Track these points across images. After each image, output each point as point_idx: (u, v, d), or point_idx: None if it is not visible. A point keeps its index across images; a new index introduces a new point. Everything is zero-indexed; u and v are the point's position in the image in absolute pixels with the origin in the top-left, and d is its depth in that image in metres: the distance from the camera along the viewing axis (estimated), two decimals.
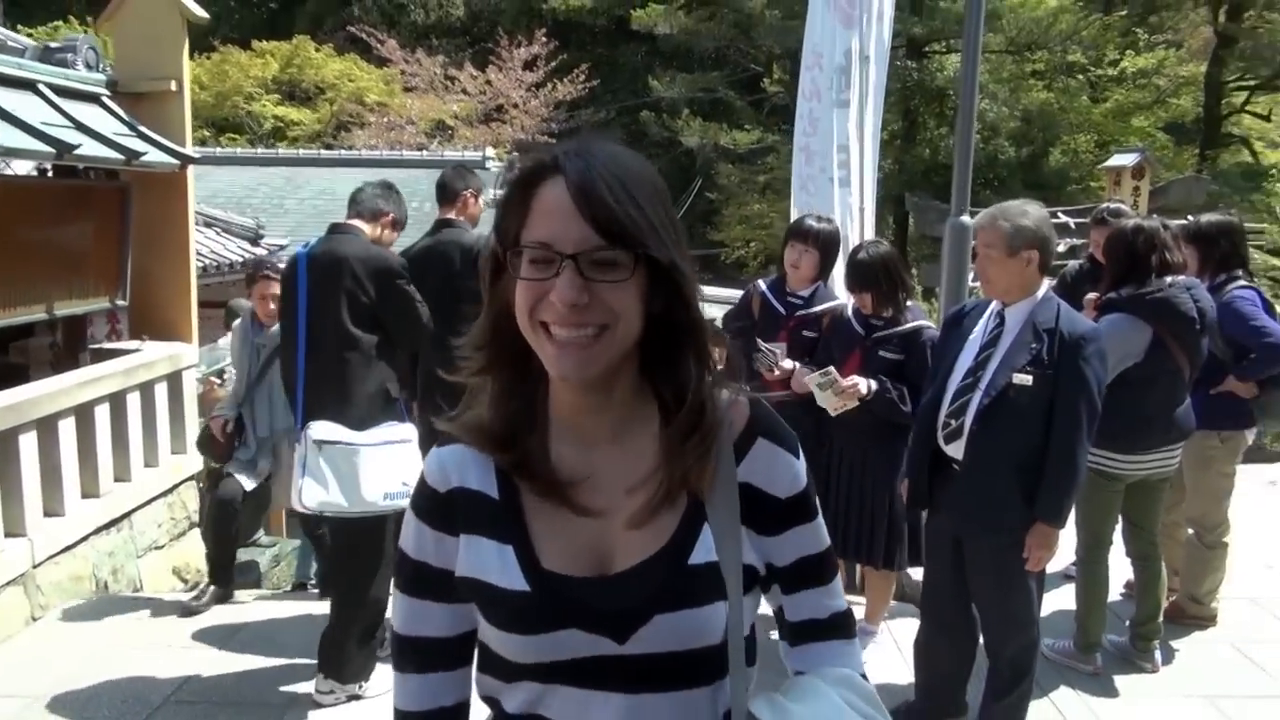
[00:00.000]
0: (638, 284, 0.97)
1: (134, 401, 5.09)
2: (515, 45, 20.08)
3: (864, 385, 3.52)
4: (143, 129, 5.46)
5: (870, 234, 5.29)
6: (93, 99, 5.44)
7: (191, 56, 16.79)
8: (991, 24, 17.61)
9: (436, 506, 1.08)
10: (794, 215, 5.30)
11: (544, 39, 20.22)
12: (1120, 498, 3.66)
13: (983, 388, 2.93)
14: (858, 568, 4.20)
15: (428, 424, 3.48)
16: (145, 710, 3.52)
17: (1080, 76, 21.61)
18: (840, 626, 1.16)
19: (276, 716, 3.47)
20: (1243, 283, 3.80)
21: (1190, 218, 4.30)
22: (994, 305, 3.04)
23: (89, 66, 5.75)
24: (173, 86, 5.68)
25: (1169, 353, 3.46)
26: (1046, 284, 2.97)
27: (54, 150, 4.44)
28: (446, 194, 4.21)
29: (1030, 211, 2.91)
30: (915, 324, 3.65)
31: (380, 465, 3.36)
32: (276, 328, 4.17)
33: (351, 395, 3.34)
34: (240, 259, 8.11)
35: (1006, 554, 2.97)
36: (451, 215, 4.18)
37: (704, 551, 1.03)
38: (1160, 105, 21.72)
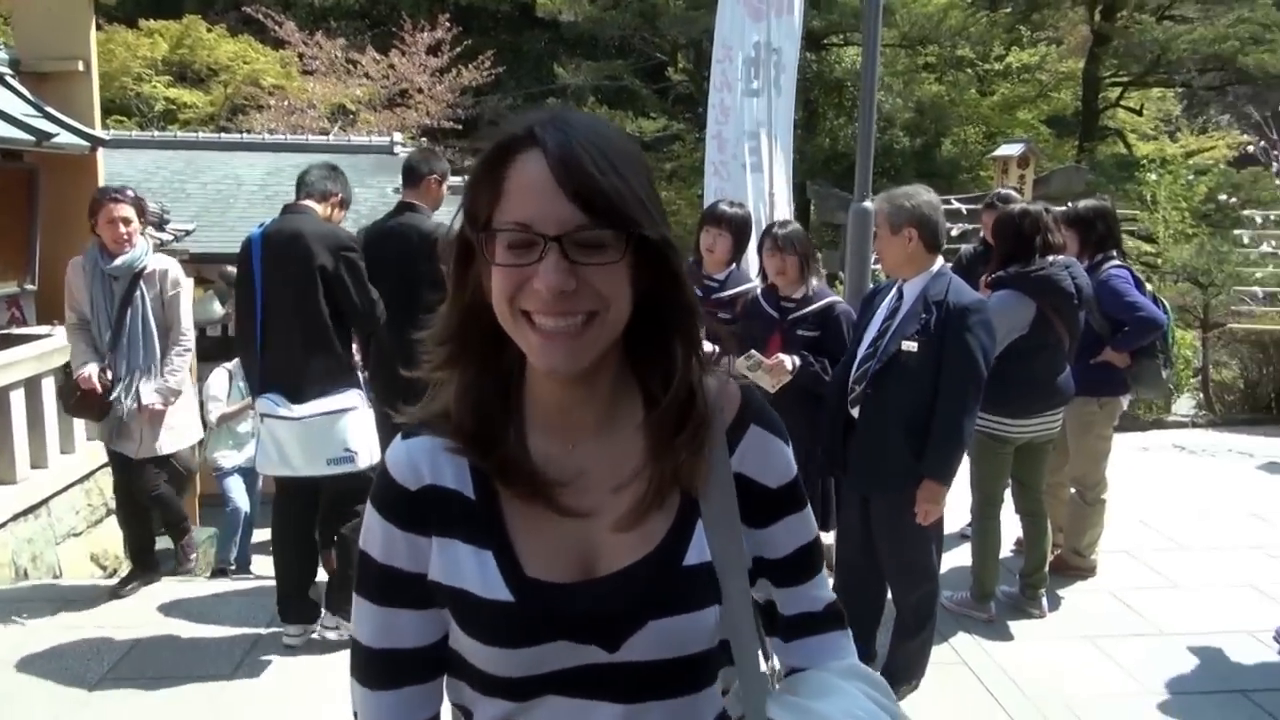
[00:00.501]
0: (628, 265, 0.89)
1: (49, 386, 5.01)
2: (418, 30, 19.86)
3: (788, 361, 3.76)
4: (50, 110, 5.35)
5: (784, 215, 5.57)
6: None
7: None
8: (886, 19, 18.10)
9: (407, 505, 0.98)
10: (707, 200, 5.55)
11: (447, 24, 20.05)
12: (1010, 459, 4.01)
13: (878, 355, 3.22)
14: None
15: (385, 415, 3.66)
16: (84, 689, 3.54)
17: (969, 71, 22.53)
18: (835, 616, 1.12)
19: (226, 679, 3.56)
20: (1117, 262, 4.18)
21: (1070, 204, 4.68)
22: (897, 282, 3.32)
23: None
24: (80, 67, 5.58)
25: (1051, 325, 3.81)
26: (940, 261, 3.25)
27: None
28: (411, 177, 4.18)
29: (914, 194, 3.19)
30: (827, 300, 3.91)
31: (317, 435, 3.53)
32: (130, 254, 4.13)
33: (306, 368, 3.51)
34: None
35: (903, 510, 3.25)
36: (414, 200, 4.16)
37: (698, 552, 0.98)
38: (1043, 99, 22.82)
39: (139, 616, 4.16)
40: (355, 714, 1.04)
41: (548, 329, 0.88)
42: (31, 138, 4.88)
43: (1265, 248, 8.47)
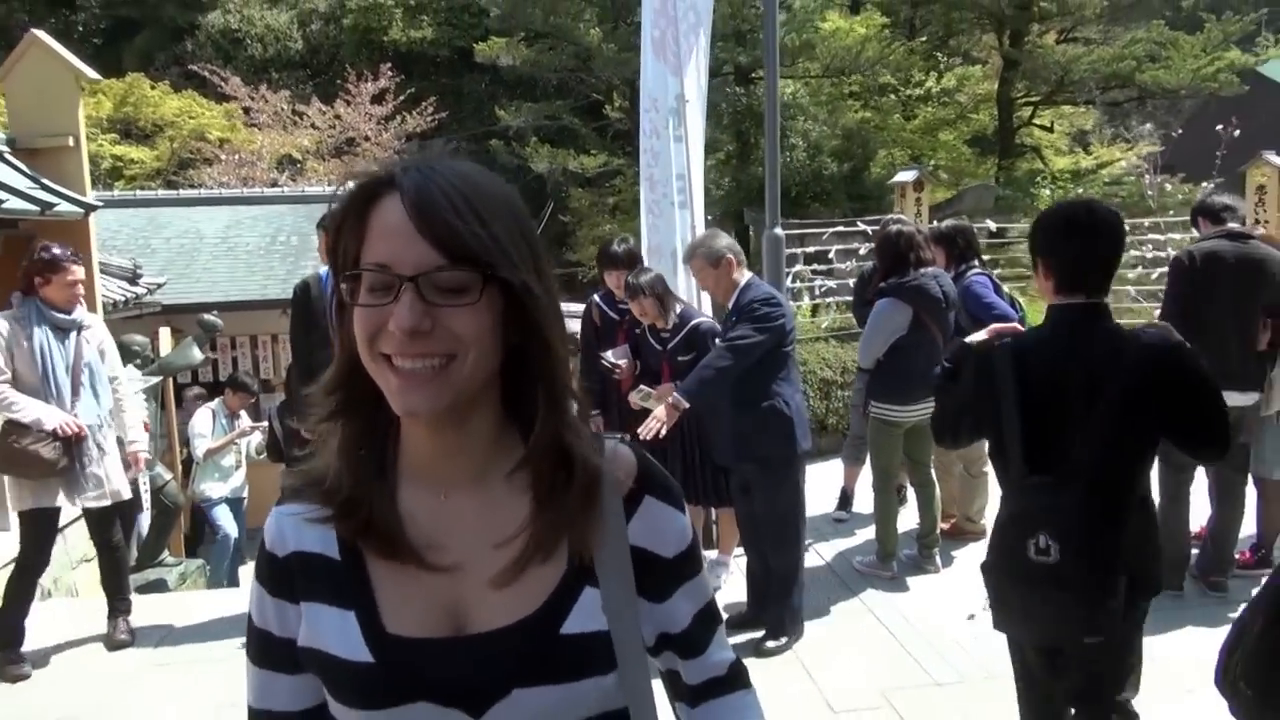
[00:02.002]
0: (489, 308, 0.89)
1: None
2: (361, 80, 20.51)
3: (676, 395, 3.95)
4: (45, 182, 5.95)
5: None
6: None
7: None
8: (808, 52, 19.28)
9: (275, 572, 1.00)
10: (644, 235, 6.32)
11: (389, 72, 20.73)
12: (900, 440, 4.78)
13: None
14: (713, 513, 5.18)
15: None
16: (124, 677, 4.15)
17: (892, 96, 23.73)
18: (739, 676, 1.11)
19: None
20: (977, 270, 4.99)
21: (934, 223, 5.52)
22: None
23: None
24: (70, 142, 6.18)
25: (926, 327, 4.59)
26: (747, 274, 4.09)
27: None
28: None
29: (717, 236, 4.17)
30: (692, 323, 4.59)
31: None
32: (81, 310, 4.38)
33: None
34: (122, 298, 8.46)
35: (760, 479, 4.04)
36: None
37: (582, 619, 0.95)
38: (963, 120, 24.09)
39: (159, 630, 4.75)
40: None
41: (405, 370, 0.87)
42: (36, 208, 5.47)
43: (1134, 252, 9.46)
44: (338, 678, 0.95)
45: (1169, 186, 13.05)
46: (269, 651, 1.02)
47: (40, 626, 4.51)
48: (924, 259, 4.61)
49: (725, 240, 4.16)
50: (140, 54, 26.86)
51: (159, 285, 9.51)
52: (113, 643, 4.48)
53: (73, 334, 4.36)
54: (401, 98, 20.30)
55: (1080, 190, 12.46)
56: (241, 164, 19.45)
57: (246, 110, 21.10)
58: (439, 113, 21.00)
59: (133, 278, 9.30)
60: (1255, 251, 4.25)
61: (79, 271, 4.36)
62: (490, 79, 24.98)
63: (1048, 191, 11.47)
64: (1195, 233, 4.71)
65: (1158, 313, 4.75)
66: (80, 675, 4.25)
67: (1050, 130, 23.28)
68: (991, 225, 10.35)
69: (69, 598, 5.45)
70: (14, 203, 5.27)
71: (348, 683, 0.95)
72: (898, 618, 4.44)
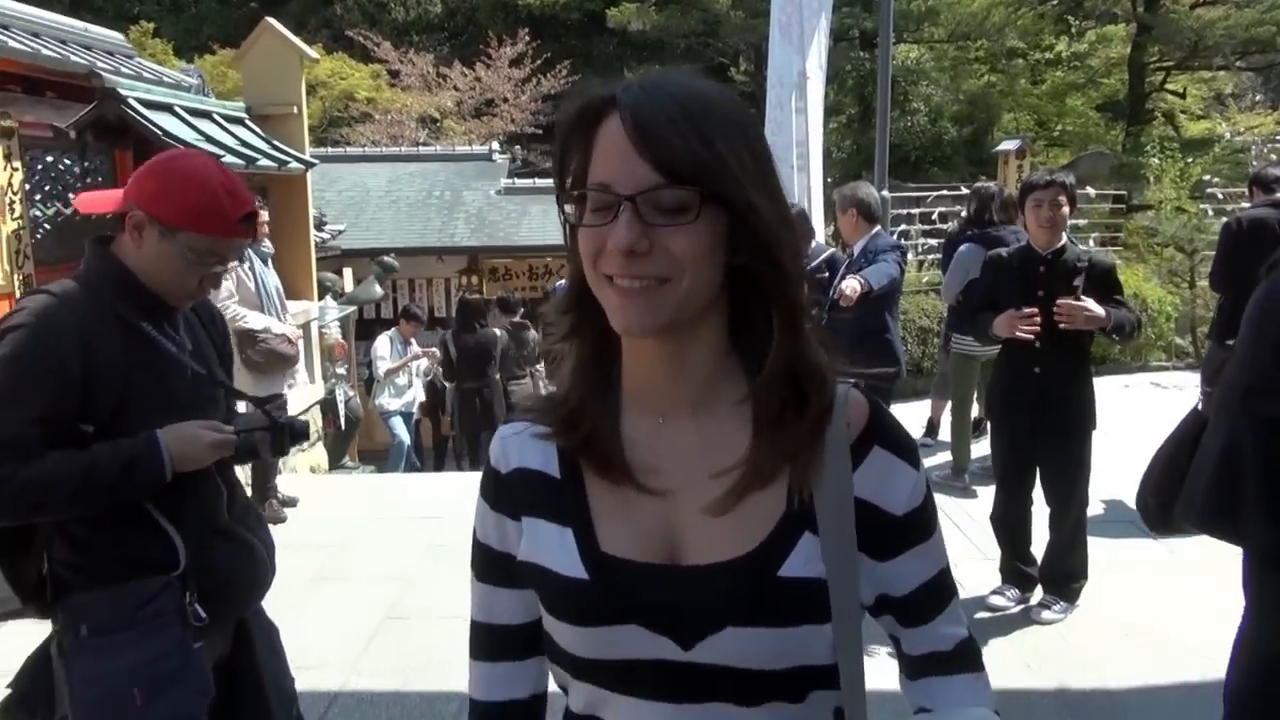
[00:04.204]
0: (709, 228, 0.86)
1: None
2: (501, 45, 21.79)
3: (863, 277, 4.73)
4: (276, 143, 7.32)
5: (819, 206, 7.30)
6: (240, 121, 7.29)
7: (189, 59, 18.14)
8: (932, 17, 19.59)
9: (497, 488, 1.03)
10: None
11: (526, 37, 21.92)
12: (977, 371, 5.68)
13: None
14: None
15: None
16: (296, 588, 5.48)
17: (1020, 60, 23.64)
18: (966, 656, 1.03)
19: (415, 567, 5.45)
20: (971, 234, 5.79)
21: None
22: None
23: (199, 91, 7.59)
24: (294, 110, 7.54)
25: None
26: (876, 228, 4.93)
27: (243, 163, 6.30)
28: None
29: (858, 186, 4.95)
30: (827, 253, 5.42)
31: None
32: (269, 245, 5.77)
33: None
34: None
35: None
36: None
37: (800, 564, 0.91)
38: (1092, 85, 23.82)
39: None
40: None
41: (624, 288, 0.87)
42: (275, 165, 6.83)
43: None
44: (554, 592, 0.96)
45: (1274, 155, 13.15)
46: (489, 566, 1.05)
47: None
48: (1004, 217, 5.46)
49: (866, 190, 5.06)
50: (294, 18, 28.86)
51: (340, 232, 10.97)
52: (272, 518, 5.21)
53: (270, 261, 5.68)
54: (538, 62, 21.46)
55: (1191, 160, 12.69)
56: (392, 123, 21.06)
57: (394, 73, 22.65)
58: (573, 76, 22.12)
59: (319, 224, 10.78)
60: None
61: (266, 214, 5.72)
62: (619, 42, 25.89)
63: (1156, 160, 11.84)
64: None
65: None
66: None
67: (1183, 96, 22.80)
68: (1099, 193, 10.87)
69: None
70: (262, 161, 6.63)
71: (563, 598, 0.96)
72: (963, 515, 5.38)
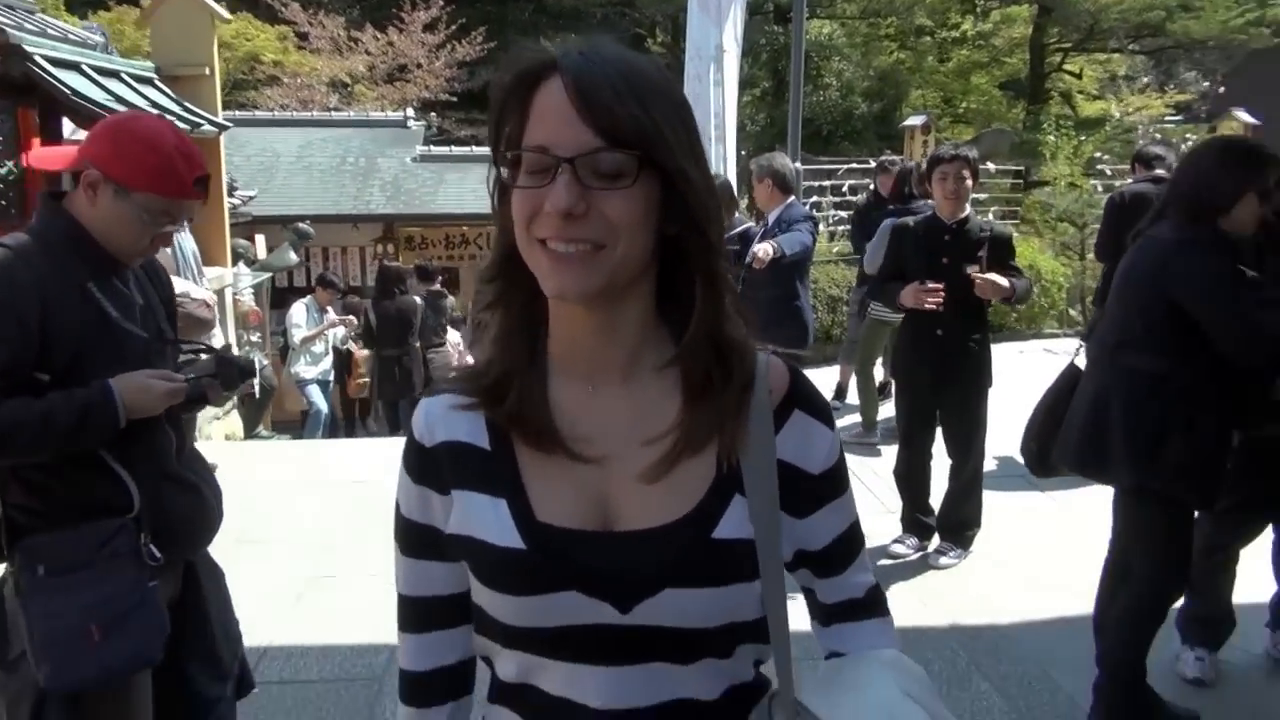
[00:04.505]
0: (644, 193, 0.88)
1: None
2: (414, 9, 21.38)
3: (776, 243, 4.99)
4: (187, 105, 7.18)
5: (733, 176, 7.51)
6: (149, 82, 7.12)
7: (83, 15, 17.29)
8: None
9: (422, 461, 1.02)
10: None
11: (440, 2, 21.56)
12: (886, 335, 5.98)
13: None
14: None
15: None
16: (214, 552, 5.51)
17: (928, 38, 24.29)
18: (877, 602, 1.10)
19: None
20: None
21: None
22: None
23: (104, 49, 7.40)
24: (206, 71, 7.39)
25: None
26: (791, 198, 5.16)
27: None
28: None
29: (774, 157, 5.21)
30: (743, 226, 5.73)
31: None
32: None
33: None
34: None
35: None
36: None
37: (733, 525, 0.94)
38: (996, 64, 24.62)
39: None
40: None
41: (557, 252, 0.88)
42: (187, 128, 6.70)
43: None
44: (489, 564, 0.96)
45: (1158, 135, 13.94)
46: (416, 540, 1.03)
47: None
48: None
49: (782, 161, 5.28)
50: None
51: (251, 197, 10.76)
52: None
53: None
54: (453, 27, 21.16)
55: (1084, 138, 13.35)
56: (301, 87, 20.53)
57: (303, 35, 22.02)
58: (488, 42, 21.86)
59: (230, 190, 10.56)
60: None
61: None
62: (535, 9, 25.68)
63: (1052, 138, 12.46)
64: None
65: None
66: None
67: (1079, 77, 23.77)
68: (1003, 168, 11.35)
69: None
70: (174, 124, 6.51)
71: (499, 568, 0.95)
72: (869, 473, 5.68)
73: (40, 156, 2.00)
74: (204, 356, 2.19)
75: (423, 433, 1.02)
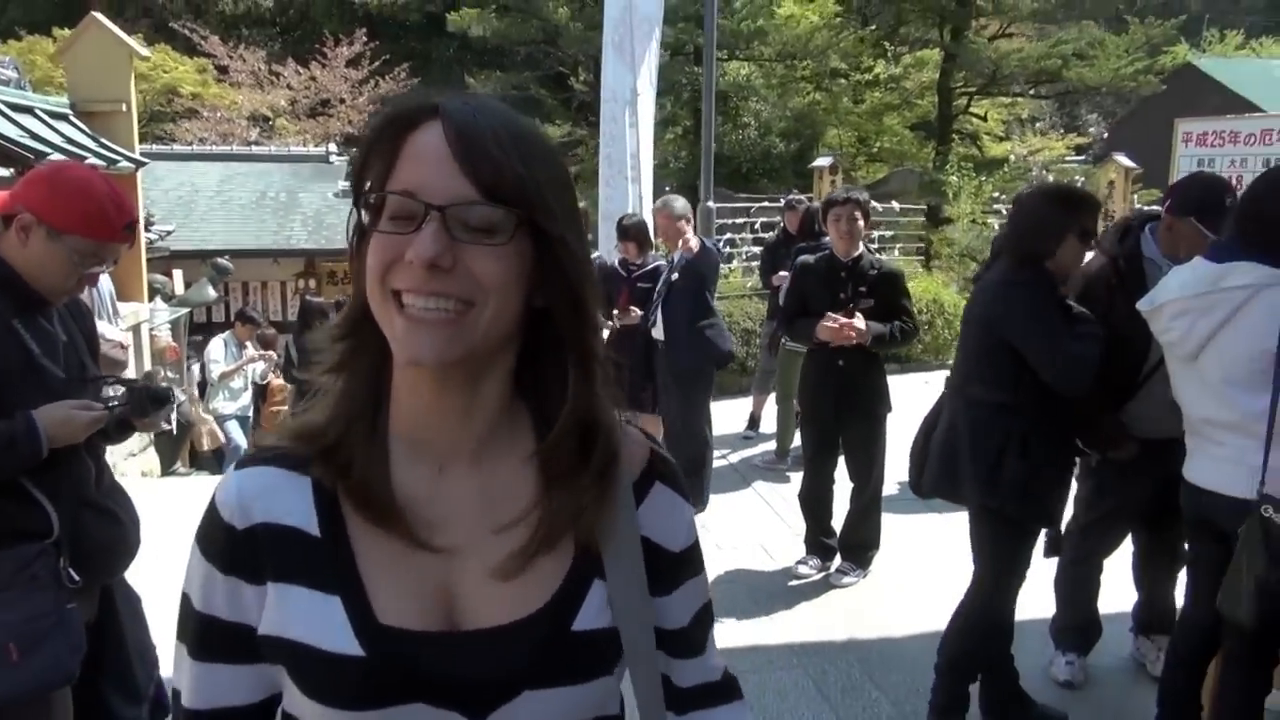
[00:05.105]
0: (518, 255, 0.81)
1: None
2: (337, 44, 21.43)
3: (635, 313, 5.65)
4: (104, 141, 7.17)
5: (649, 215, 7.76)
6: (64, 118, 7.10)
7: None
8: (761, 37, 20.64)
9: (232, 547, 0.86)
10: (600, 203, 7.73)
11: (364, 38, 21.65)
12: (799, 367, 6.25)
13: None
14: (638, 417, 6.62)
15: None
16: None
17: (843, 80, 25.16)
18: (732, 686, 1.06)
19: None
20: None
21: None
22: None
23: (17, 84, 7.37)
24: (123, 108, 7.39)
25: None
26: (698, 239, 5.45)
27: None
28: None
29: (678, 199, 5.46)
30: (656, 264, 5.97)
31: None
32: None
33: None
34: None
35: (681, 385, 5.45)
36: None
37: (593, 615, 0.87)
38: (907, 106, 25.61)
39: None
40: None
41: (416, 310, 0.79)
42: (104, 164, 6.71)
43: None
44: (316, 673, 0.84)
45: (1050, 175, 14.73)
46: (216, 640, 0.88)
47: None
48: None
49: (682, 203, 5.56)
50: (109, 5, 27.33)
51: (169, 232, 10.68)
52: None
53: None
54: (376, 63, 21.24)
55: (984, 178, 14.07)
56: (221, 120, 20.35)
57: (223, 68, 21.85)
58: (412, 78, 21.99)
59: (146, 224, 10.46)
60: None
61: None
62: (459, 45, 25.84)
63: (955, 178, 13.13)
64: None
65: None
66: None
67: (984, 119, 24.89)
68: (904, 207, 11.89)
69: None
70: (89, 160, 6.51)
71: (330, 679, 0.83)
72: (778, 498, 5.93)
73: None
74: (119, 389, 2.30)
75: (233, 513, 0.88)
